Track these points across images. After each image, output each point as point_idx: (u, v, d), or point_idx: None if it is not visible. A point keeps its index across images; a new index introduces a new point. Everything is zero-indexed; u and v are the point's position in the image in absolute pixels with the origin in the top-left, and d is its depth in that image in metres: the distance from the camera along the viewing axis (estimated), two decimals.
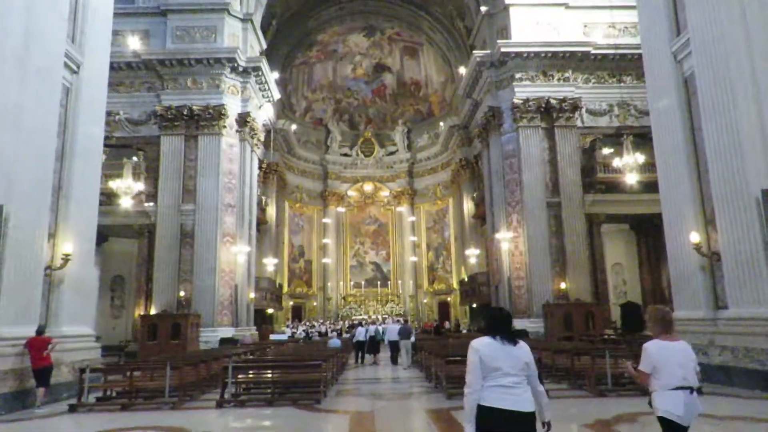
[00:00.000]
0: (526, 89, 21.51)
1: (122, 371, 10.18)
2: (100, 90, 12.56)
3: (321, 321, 31.55)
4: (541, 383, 3.32)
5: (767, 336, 9.02)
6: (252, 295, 23.25)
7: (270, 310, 29.18)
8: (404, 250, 36.62)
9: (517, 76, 21.64)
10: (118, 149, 20.21)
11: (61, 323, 10.62)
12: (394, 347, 17.20)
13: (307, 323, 30.38)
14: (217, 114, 21.21)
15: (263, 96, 24.36)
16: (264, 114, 25.49)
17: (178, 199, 20.58)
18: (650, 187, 18.36)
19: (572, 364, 10.47)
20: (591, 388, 9.47)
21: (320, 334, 27.25)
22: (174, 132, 21.09)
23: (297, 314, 33.45)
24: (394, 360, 17.20)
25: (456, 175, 32.36)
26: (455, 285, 33.20)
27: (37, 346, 9.08)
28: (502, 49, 21.39)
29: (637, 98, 20.98)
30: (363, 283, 36.40)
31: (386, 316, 31.62)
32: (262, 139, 25.41)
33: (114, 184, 17.14)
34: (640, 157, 16.73)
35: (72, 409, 8.83)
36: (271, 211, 30.46)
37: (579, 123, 21.56)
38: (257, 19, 24.01)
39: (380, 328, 22.87)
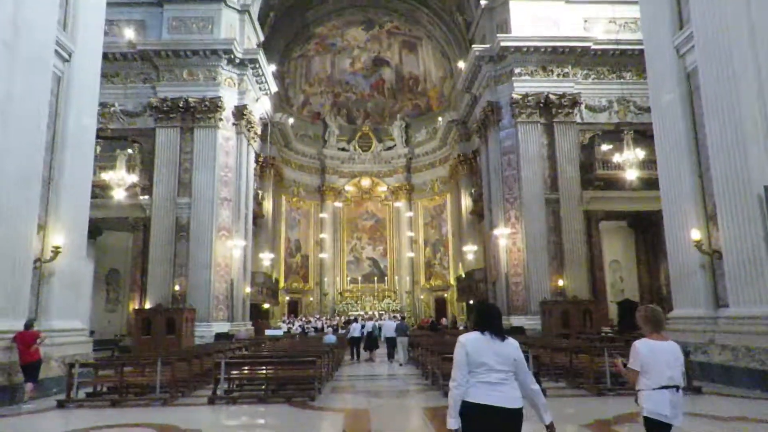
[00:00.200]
0: (526, 84, 21.34)
1: (113, 366, 9.99)
2: (93, 79, 12.34)
3: (317, 317, 31.40)
4: (538, 383, 3.21)
5: None
6: (248, 289, 23.08)
7: (266, 305, 29.01)
8: (401, 246, 36.45)
9: (517, 71, 21.46)
10: (112, 141, 19.99)
11: (51, 317, 10.45)
12: (391, 344, 17.08)
13: (303, 319, 30.23)
14: (213, 106, 20.97)
15: (260, 89, 24.11)
16: (261, 107, 25.26)
17: (173, 192, 20.37)
18: (649, 184, 18.29)
19: (571, 363, 10.34)
20: (590, 387, 9.33)
21: (316, 329, 27.11)
22: (169, 124, 20.85)
23: (293, 309, 33.30)
24: (390, 356, 17.08)
25: (454, 170, 32.19)
26: (452, 281, 33.09)
27: (26, 340, 8.90)
28: (502, 44, 21.20)
29: (636, 95, 20.87)
30: (360, 278, 36.23)
31: (382, 312, 31.46)
32: (259, 132, 25.17)
33: (107, 176, 16.90)
34: (640, 153, 16.56)
35: (60, 404, 8.65)
36: (268, 206, 30.28)
37: (578, 119, 21.41)
38: (254, 10, 23.72)
39: (377, 325, 22.71)
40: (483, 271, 25.66)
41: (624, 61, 21.53)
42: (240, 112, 22.03)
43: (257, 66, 22.55)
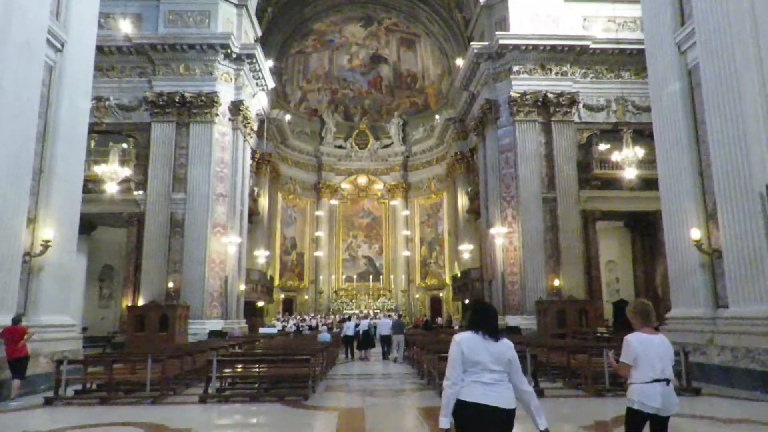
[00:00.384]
0: (524, 82, 21.23)
1: (102, 363, 9.79)
2: (86, 70, 12.12)
3: (312, 315, 31.22)
4: (536, 384, 3.10)
5: None
6: (242, 287, 22.88)
7: (260, 303, 28.80)
8: (397, 245, 36.28)
9: (515, 69, 21.34)
10: (107, 135, 19.81)
11: (40, 312, 10.26)
12: (386, 342, 16.97)
13: (298, 317, 30.04)
14: (209, 101, 20.76)
15: (257, 84, 23.89)
16: (258, 103, 25.05)
17: (168, 187, 20.15)
18: (646, 184, 18.24)
19: (568, 362, 10.20)
20: (588, 387, 9.20)
21: (311, 328, 26.94)
22: (165, 119, 20.63)
23: (288, 307, 33.07)
24: (385, 355, 16.97)
25: (451, 168, 32.02)
26: (448, 280, 32.95)
27: (13, 335, 8.70)
28: (501, 41, 21.08)
29: (635, 94, 20.80)
30: (355, 277, 36.05)
31: (377, 310, 31.30)
32: (256, 128, 24.96)
33: (99, 169, 16.69)
34: (639, 151, 16.46)
35: (48, 402, 8.46)
36: (264, 202, 30.03)
37: (576, 118, 21.32)
38: (252, 5, 23.49)
39: (372, 323, 22.56)
40: (479, 270, 25.54)
41: (623, 60, 21.46)
42: (236, 108, 21.82)
43: (254, 61, 22.34)
